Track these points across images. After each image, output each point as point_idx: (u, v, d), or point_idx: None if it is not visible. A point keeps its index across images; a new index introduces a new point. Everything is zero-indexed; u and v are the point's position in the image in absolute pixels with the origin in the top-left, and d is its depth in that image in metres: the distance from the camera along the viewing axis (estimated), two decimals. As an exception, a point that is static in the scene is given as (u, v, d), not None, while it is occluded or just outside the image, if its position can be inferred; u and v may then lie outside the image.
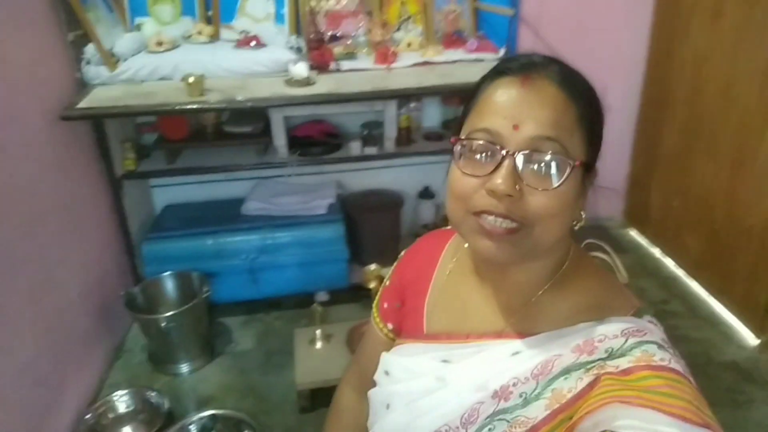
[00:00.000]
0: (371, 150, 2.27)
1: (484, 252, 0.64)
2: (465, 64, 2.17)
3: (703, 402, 0.56)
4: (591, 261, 0.75)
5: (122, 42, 2.01)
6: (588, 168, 0.65)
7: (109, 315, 2.10)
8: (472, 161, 0.63)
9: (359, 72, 2.11)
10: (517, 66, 0.63)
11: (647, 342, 0.61)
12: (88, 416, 1.79)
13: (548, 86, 0.61)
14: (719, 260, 2.26)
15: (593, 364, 0.61)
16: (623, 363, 0.59)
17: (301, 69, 1.95)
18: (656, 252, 2.69)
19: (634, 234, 2.87)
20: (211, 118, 2.26)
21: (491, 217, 0.61)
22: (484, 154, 0.62)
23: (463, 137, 0.65)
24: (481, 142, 0.62)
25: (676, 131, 2.48)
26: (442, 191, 2.58)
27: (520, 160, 0.60)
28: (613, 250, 0.84)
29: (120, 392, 1.88)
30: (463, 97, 2.49)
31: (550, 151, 0.60)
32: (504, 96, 0.62)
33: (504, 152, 0.60)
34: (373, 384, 0.83)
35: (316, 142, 2.29)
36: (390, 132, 2.26)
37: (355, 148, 2.26)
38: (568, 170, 0.60)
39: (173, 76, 2.01)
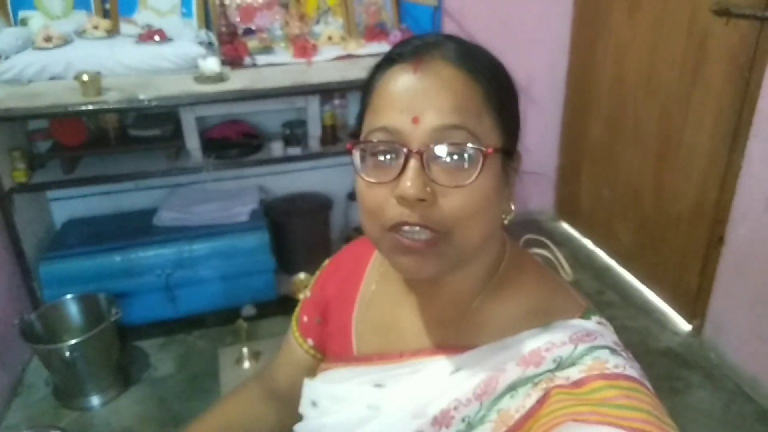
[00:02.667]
0: (294, 150, 2.13)
1: (406, 271, 0.58)
2: (389, 57, 2.08)
3: (661, 409, 0.50)
4: (530, 259, 0.68)
5: (2, 37, 1.77)
6: (508, 154, 0.58)
7: (1, 346, 1.84)
8: (375, 167, 0.56)
9: (277, 66, 1.97)
10: (408, 50, 0.56)
11: (598, 347, 0.54)
12: (-25, 469, 1.55)
13: (445, 68, 0.54)
14: (649, 249, 2.28)
15: (541, 377, 0.54)
16: (574, 373, 0.53)
17: (212, 64, 1.80)
18: (588, 243, 2.71)
19: (565, 226, 2.88)
20: (113, 121, 2.04)
21: (407, 228, 0.54)
22: (386, 157, 0.55)
23: (359, 141, 0.57)
24: (380, 143, 0.55)
25: (601, 122, 2.50)
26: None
27: (426, 156, 0.53)
28: (522, 238, 0.76)
29: (17, 436, 1.65)
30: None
31: (459, 142, 0.53)
32: (397, 86, 0.55)
33: (407, 150, 0.53)
34: (300, 417, 0.73)
35: (233, 143, 2.13)
36: (314, 130, 2.14)
37: (276, 148, 2.11)
38: (481, 160, 0.53)
39: (66, 75, 1.80)
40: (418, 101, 0.53)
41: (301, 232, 2.28)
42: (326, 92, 2.11)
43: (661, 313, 2.20)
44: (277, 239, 2.20)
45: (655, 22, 2.10)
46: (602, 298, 2.32)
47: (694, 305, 2.05)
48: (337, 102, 2.25)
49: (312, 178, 2.43)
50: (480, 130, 0.54)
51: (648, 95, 2.19)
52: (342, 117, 2.32)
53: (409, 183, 0.52)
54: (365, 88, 0.59)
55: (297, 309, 0.84)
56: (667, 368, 1.93)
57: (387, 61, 0.58)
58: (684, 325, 2.12)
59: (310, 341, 0.81)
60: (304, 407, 0.72)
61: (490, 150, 0.53)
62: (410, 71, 0.54)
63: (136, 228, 2.11)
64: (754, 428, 1.70)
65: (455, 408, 0.57)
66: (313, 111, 2.10)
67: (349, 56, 2.07)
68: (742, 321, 1.84)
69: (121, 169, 2.00)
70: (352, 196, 2.49)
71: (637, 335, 2.09)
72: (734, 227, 1.83)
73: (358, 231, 2.45)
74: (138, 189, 2.25)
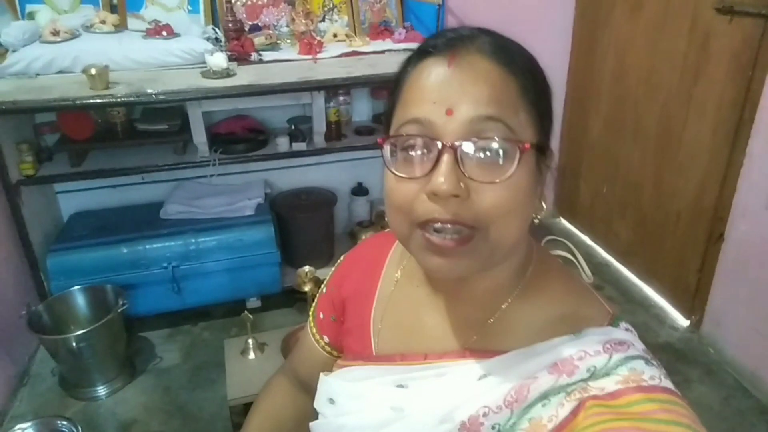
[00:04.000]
0: (300, 146, 2.15)
1: (436, 271, 0.56)
2: (394, 54, 2.10)
3: (697, 420, 0.50)
4: (556, 262, 0.67)
5: (10, 30, 1.79)
6: (541, 149, 0.56)
7: (8, 337, 1.87)
8: (406, 162, 0.54)
9: (283, 63, 1.99)
10: (442, 43, 0.54)
11: (633, 357, 0.54)
12: (-16, 456, 1.57)
13: (480, 60, 0.52)
14: (648, 245, 2.31)
15: (574, 387, 0.53)
16: (609, 384, 0.52)
17: (219, 59, 1.81)
18: (587, 240, 2.73)
19: (564, 222, 2.90)
20: (121, 115, 2.06)
21: (438, 225, 0.52)
22: (418, 151, 0.53)
23: (391, 134, 0.56)
24: (412, 136, 0.53)
25: (601, 120, 2.52)
26: (375, 187, 2.50)
27: (460, 150, 0.51)
28: (544, 240, 0.76)
29: (23, 425, 1.65)
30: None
31: (494, 135, 0.51)
32: (431, 78, 0.53)
33: (441, 144, 0.51)
34: (315, 415, 0.72)
35: (239, 138, 2.15)
36: (319, 126, 2.15)
37: (282, 144, 2.13)
38: (517, 155, 0.51)
39: (74, 68, 1.81)
40: (452, 93, 0.51)
41: (306, 227, 2.30)
42: (331, 88, 2.13)
43: (659, 309, 2.23)
44: (282, 233, 2.22)
45: (657, 19, 2.12)
46: (601, 293, 2.33)
47: (692, 301, 2.08)
48: (341, 98, 2.27)
49: (316, 174, 2.45)
50: (516, 123, 0.52)
51: (649, 93, 2.21)
52: (346, 113, 2.35)
53: (442, 179, 0.50)
54: (395, 82, 0.58)
55: (314, 304, 0.84)
56: (665, 363, 1.91)
57: (419, 54, 0.56)
58: (682, 321, 2.14)
59: (326, 338, 0.81)
60: (320, 404, 0.71)
61: (527, 145, 0.52)
62: (444, 64, 0.52)
63: (143, 221, 2.13)
64: (754, 423, 1.73)
65: (484, 415, 0.56)
66: (319, 107, 2.12)
67: (353, 53, 2.09)
68: (741, 317, 1.87)
69: (128, 163, 2.02)
70: (355, 192, 2.51)
71: (636, 330, 2.10)
72: (734, 224, 1.85)
73: (362, 226, 2.47)
74: (145, 182, 2.27)
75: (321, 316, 0.82)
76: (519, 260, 0.62)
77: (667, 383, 0.52)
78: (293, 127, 2.20)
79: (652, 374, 0.53)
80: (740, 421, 1.74)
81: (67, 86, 1.74)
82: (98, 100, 1.68)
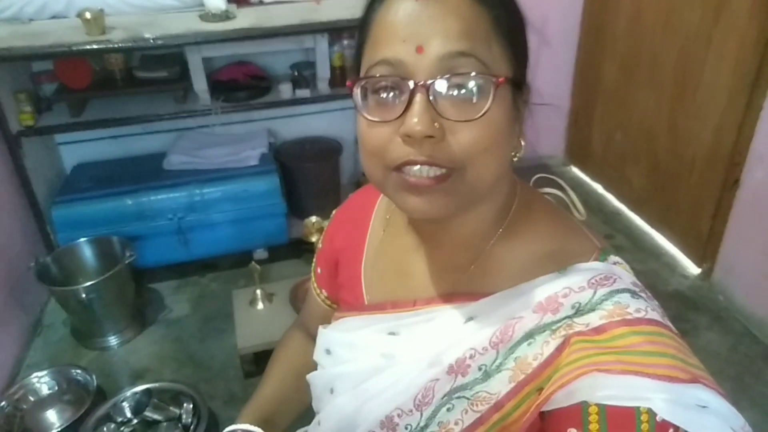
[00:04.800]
0: (303, 93, 2.09)
1: (414, 211, 0.54)
2: (400, -6, 2.01)
3: (686, 350, 0.49)
4: (542, 199, 0.65)
5: (0, -28, 1.71)
6: (517, 85, 0.54)
7: (19, 289, 1.88)
8: (378, 105, 0.52)
9: (285, 4, 1.91)
10: None
11: (619, 291, 0.52)
12: (2, 403, 1.60)
13: None
14: (661, 193, 2.27)
15: (559, 324, 0.52)
16: (594, 319, 0.51)
17: (217, 1, 1.74)
18: (598, 188, 2.69)
19: (575, 171, 2.86)
20: (119, 62, 2.00)
21: (415, 167, 0.50)
22: (390, 93, 0.51)
23: (360, 77, 0.53)
24: (382, 77, 0.51)
25: (616, 64, 2.43)
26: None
27: (433, 89, 0.49)
28: (533, 178, 0.73)
29: (39, 373, 1.70)
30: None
31: (468, 71, 0.49)
32: (399, 14, 0.50)
33: (412, 84, 0.49)
34: (314, 366, 0.73)
35: (241, 86, 2.09)
36: (323, 72, 2.09)
37: (285, 91, 2.07)
38: (492, 91, 0.49)
39: (67, 12, 1.76)
40: (422, 29, 0.49)
41: (311, 176, 2.27)
42: (335, 31, 2.04)
43: (670, 257, 2.21)
44: (287, 183, 2.19)
45: (679, -45, 2.00)
46: (612, 242, 2.33)
47: (704, 248, 2.05)
48: (346, 42, 2.18)
49: (321, 122, 2.40)
50: (489, 58, 0.50)
51: (667, 34, 2.11)
52: (351, 58, 2.27)
53: (416, 119, 0.48)
54: (362, 20, 0.54)
55: (314, 259, 0.84)
56: (675, 310, 1.95)
57: None
58: (693, 269, 2.13)
59: (324, 292, 0.82)
60: (318, 355, 0.72)
61: (501, 79, 0.50)
62: None
63: (147, 172, 2.10)
64: (761, 368, 1.74)
65: (471, 356, 0.56)
66: (322, 51, 2.05)
67: (358, -7, 2.00)
68: (753, 264, 1.85)
69: (128, 112, 1.98)
70: (361, 140, 2.46)
71: (646, 278, 2.10)
72: (751, 170, 1.81)
73: (368, 175, 2.43)
74: (146, 132, 2.22)
75: (319, 270, 0.83)
76: (501, 200, 0.60)
77: (654, 315, 0.50)
78: (296, 73, 2.13)
79: (638, 306, 0.51)
80: (748, 367, 1.74)
81: (62, 32, 1.68)
82: (95, 46, 1.63)
